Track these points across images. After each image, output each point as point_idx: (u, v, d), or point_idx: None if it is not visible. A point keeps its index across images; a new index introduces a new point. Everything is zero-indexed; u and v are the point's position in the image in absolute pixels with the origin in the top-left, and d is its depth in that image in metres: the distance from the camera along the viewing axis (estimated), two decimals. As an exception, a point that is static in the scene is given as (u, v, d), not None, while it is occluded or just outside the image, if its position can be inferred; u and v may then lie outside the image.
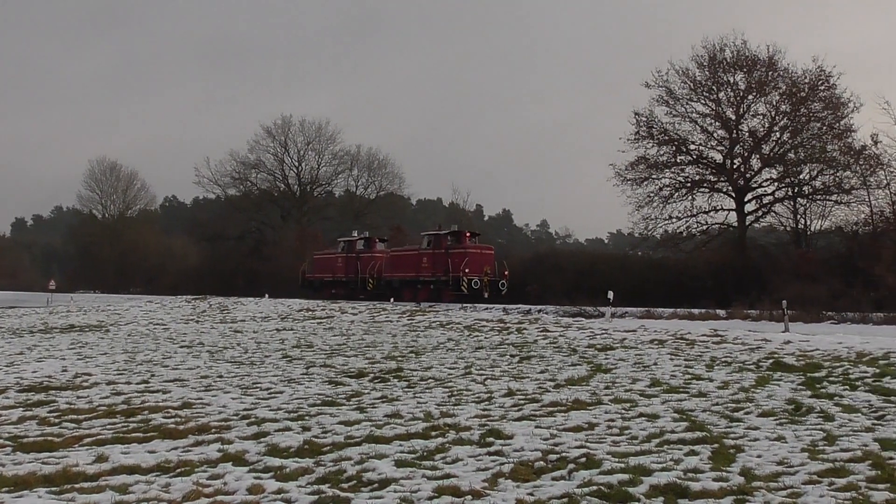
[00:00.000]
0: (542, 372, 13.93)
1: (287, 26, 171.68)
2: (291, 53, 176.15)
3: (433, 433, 8.91)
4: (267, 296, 45.49)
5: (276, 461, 7.72)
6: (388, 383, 13.12)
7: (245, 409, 10.71)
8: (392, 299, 41.33)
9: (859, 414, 9.48)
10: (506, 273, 41.89)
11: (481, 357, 16.39)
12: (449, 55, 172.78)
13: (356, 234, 50.83)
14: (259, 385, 13.09)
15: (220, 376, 14.29)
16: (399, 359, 16.45)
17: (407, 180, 75.37)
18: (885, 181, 37.46)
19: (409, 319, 26.45)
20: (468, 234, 44.61)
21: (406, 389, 12.40)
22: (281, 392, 12.30)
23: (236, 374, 14.51)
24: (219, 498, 6.52)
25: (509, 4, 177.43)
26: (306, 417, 10.05)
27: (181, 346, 20.04)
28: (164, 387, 13.03)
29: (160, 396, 11.99)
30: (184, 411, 10.62)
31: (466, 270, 40.63)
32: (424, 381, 13.18)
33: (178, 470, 7.50)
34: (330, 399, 11.51)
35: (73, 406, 11.22)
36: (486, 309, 33.73)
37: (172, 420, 9.96)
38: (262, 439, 8.75)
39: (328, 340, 20.78)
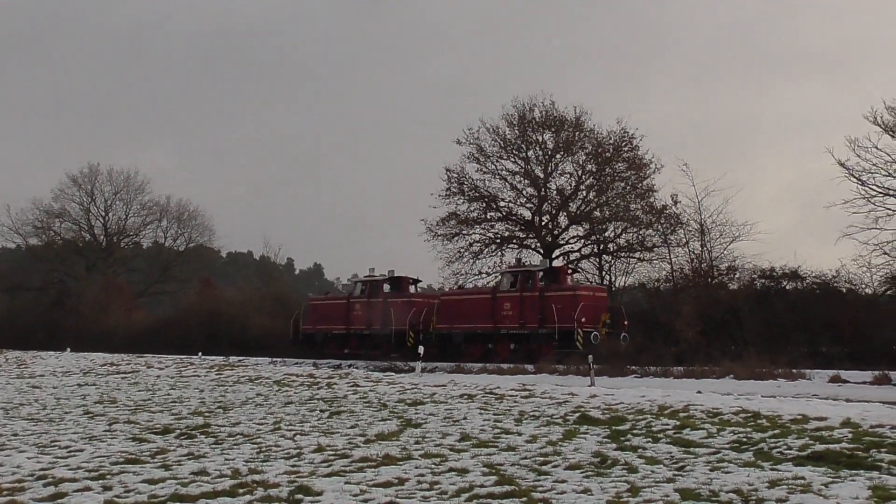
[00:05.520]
0: (352, 427, 13.96)
1: (121, 82, 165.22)
2: (120, 107, 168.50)
3: (241, 490, 8.82)
4: (69, 349, 43.59)
5: (75, 523, 7.47)
6: (195, 440, 12.85)
7: (42, 469, 10.26)
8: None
9: (661, 465, 9.92)
10: (625, 323, 32.29)
11: (291, 412, 16.27)
12: (279, 119, 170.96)
13: (375, 272, 40.21)
14: (58, 443, 12.56)
15: (15, 434, 13.62)
16: (206, 414, 16.14)
17: (218, 232, 73.72)
18: (684, 240, 39.72)
19: (217, 374, 25.93)
20: (569, 271, 36.27)
21: (213, 446, 12.19)
22: (81, 450, 11.86)
23: (33, 432, 13.87)
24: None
25: (342, 69, 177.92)
26: (108, 476, 9.74)
27: (-28, 403, 19.00)
28: (-48, 447, 12.33)
29: (-52, 457, 11.34)
30: (-26, 472, 10.09)
31: (583, 319, 31.10)
32: (232, 437, 12.98)
33: (-32, 535, 7.17)
34: (134, 456, 11.19)
35: None
36: (296, 363, 33.41)
37: (-39, 482, 9.45)
38: (60, 500, 8.45)
39: (133, 396, 20.15)
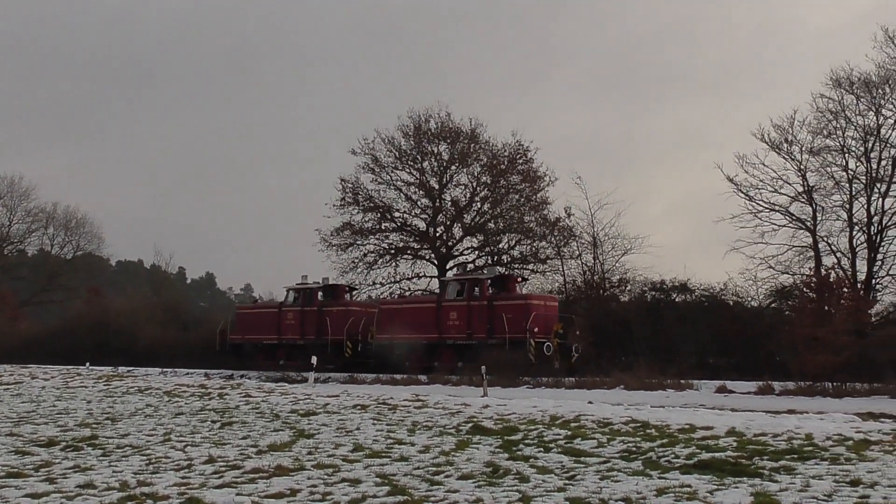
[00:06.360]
0: (244, 438, 13.78)
1: (5, 85, 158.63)
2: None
3: (129, 503, 8.63)
4: None
5: (-48, 539, 7.21)
6: (82, 452, 12.51)
7: (-83, 484, 9.89)
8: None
9: (553, 475, 10.00)
10: (577, 333, 31.14)
11: (181, 423, 15.97)
12: (171, 126, 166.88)
13: (309, 280, 38.71)
14: (-66, 457, 12.11)
15: None
16: (94, 426, 15.72)
17: (107, 241, 71.85)
18: (577, 252, 40.59)
19: (105, 384, 25.30)
20: (518, 279, 34.97)
21: (101, 458, 11.89)
22: (-40, 464, 11.45)
23: None
24: None
25: (238, 77, 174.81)
26: (-12, 490, 9.43)
27: None
28: None
29: None
30: None
31: (535, 330, 29.96)
32: (121, 449, 12.68)
33: None
34: (16, 470, 10.82)
35: None
36: (188, 374, 32.83)
37: None
38: (-64, 516, 8.15)
39: (16, 407, 19.50)
